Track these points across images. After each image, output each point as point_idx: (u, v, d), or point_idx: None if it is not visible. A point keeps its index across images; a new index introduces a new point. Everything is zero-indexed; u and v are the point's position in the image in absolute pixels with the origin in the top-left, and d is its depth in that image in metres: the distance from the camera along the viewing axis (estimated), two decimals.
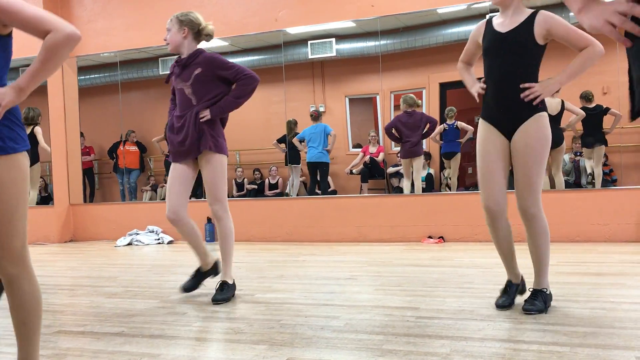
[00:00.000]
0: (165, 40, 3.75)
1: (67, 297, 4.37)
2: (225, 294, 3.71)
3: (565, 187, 7.30)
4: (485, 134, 3.08)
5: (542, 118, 2.98)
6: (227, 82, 3.72)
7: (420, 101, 7.75)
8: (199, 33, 3.75)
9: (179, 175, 3.75)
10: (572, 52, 2.98)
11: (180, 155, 3.73)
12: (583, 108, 7.10)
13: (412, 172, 7.62)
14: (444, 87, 8.59)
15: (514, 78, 2.94)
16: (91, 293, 4.31)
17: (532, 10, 2.98)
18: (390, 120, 7.99)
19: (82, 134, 9.80)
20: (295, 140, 8.70)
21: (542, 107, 2.98)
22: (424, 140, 8.65)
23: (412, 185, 7.64)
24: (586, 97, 7.11)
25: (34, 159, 8.62)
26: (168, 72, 3.94)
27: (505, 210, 3.08)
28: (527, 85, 2.91)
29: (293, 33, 8.09)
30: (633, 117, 1.50)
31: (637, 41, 1.39)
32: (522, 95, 2.91)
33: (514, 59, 2.94)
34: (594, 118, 7.08)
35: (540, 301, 3.05)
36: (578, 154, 7.59)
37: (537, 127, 2.96)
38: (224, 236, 3.77)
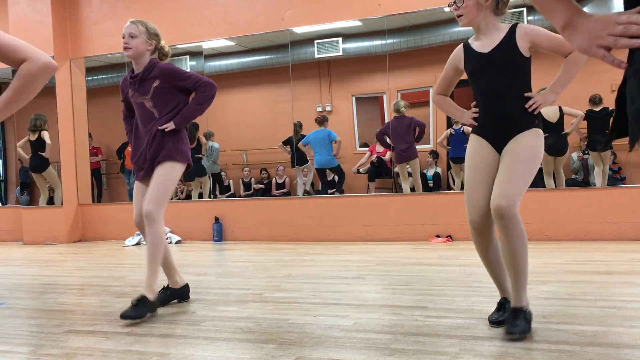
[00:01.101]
0: (126, 44, 3.57)
1: (76, 296, 4.39)
2: (140, 309, 3.32)
3: (574, 186, 7.28)
4: (475, 147, 2.94)
5: (537, 133, 2.84)
6: (186, 92, 3.68)
7: (407, 105, 7.71)
8: (158, 50, 3.70)
9: (141, 190, 3.67)
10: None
11: (141, 170, 3.66)
12: (589, 111, 7.06)
13: (409, 173, 7.67)
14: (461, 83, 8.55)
15: (504, 95, 2.84)
16: (100, 293, 4.33)
17: (509, 25, 2.89)
18: (384, 124, 8.04)
19: (90, 135, 9.86)
20: (300, 146, 8.72)
21: (537, 123, 2.86)
22: (431, 138, 8.65)
23: (413, 186, 7.67)
24: (593, 100, 7.08)
25: (44, 164, 8.74)
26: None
27: (493, 226, 2.86)
28: (529, 94, 2.82)
29: (300, 32, 8.09)
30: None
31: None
32: (526, 105, 2.80)
33: (503, 77, 2.84)
34: (599, 121, 7.04)
35: (522, 320, 2.68)
36: (586, 152, 7.55)
37: (530, 138, 2.81)
38: (154, 242, 3.47)
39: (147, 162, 3.60)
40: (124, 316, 3.28)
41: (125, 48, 3.59)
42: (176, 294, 3.79)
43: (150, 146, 3.58)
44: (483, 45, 2.90)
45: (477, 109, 2.94)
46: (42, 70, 1.82)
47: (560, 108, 6.92)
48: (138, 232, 8.02)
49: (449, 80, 3.15)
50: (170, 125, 3.56)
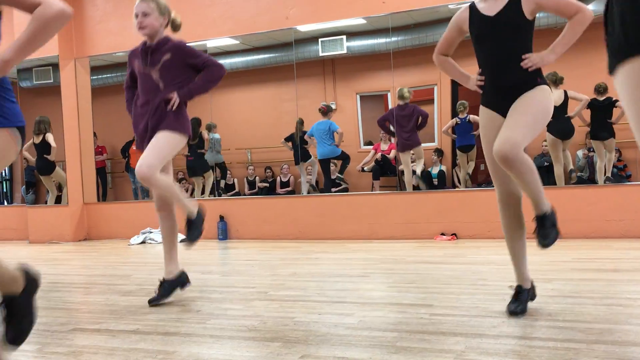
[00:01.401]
0: (141, 23, 3.58)
1: (82, 295, 4.40)
2: (195, 230, 3.65)
3: (580, 183, 7.25)
4: (487, 121, 2.98)
5: (543, 89, 2.87)
6: (195, 69, 3.69)
7: (410, 92, 7.70)
8: (171, 22, 3.73)
9: None
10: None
11: (145, 140, 3.64)
12: (593, 100, 7.05)
13: (414, 161, 7.67)
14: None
15: (510, 58, 2.87)
16: (106, 291, 4.34)
17: None
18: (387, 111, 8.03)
19: (94, 134, 9.88)
20: (307, 137, 8.72)
21: (541, 81, 2.89)
22: (436, 136, 8.64)
23: (414, 173, 7.65)
24: (598, 89, 7.06)
25: (51, 166, 8.79)
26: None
27: (521, 201, 2.96)
28: (526, 55, 2.84)
29: (304, 31, 8.08)
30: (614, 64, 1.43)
31: None
32: (521, 63, 2.83)
33: (507, 40, 2.87)
34: (602, 110, 7.03)
35: (549, 227, 2.87)
36: (592, 149, 7.52)
37: (536, 92, 2.84)
38: (166, 188, 3.55)
39: (149, 132, 3.60)
40: (188, 240, 3.63)
41: (140, 27, 3.60)
42: (175, 284, 3.79)
43: (152, 116, 3.59)
44: (489, 7, 2.92)
45: (482, 77, 2.96)
46: (56, 15, 1.81)
47: (565, 92, 6.90)
48: (143, 231, 8.05)
49: (452, 40, 3.14)
50: (175, 99, 3.55)
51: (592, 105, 7.08)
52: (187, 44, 3.70)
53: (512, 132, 2.75)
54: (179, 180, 9.63)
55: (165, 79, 3.61)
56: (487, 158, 3.00)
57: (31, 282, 2.05)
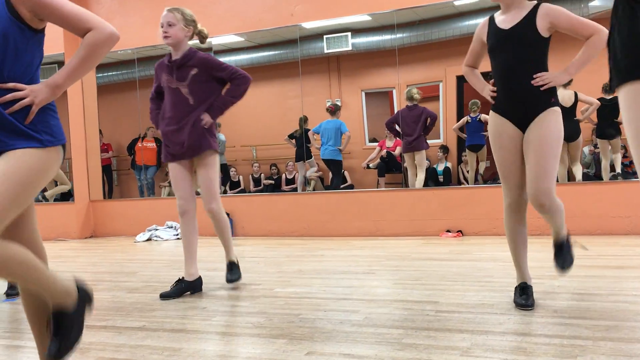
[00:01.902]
0: (165, 33, 3.68)
1: None
2: (237, 272, 3.99)
3: (586, 180, 7.22)
4: (498, 127, 3.03)
5: (556, 113, 2.94)
6: (221, 82, 3.81)
7: (419, 93, 7.67)
8: (197, 34, 3.82)
9: (181, 172, 3.83)
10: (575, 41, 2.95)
11: (177, 156, 3.80)
12: (600, 99, 7.00)
13: (416, 167, 7.65)
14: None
15: (522, 73, 2.91)
16: (112, 288, 4.36)
17: (534, 4, 2.96)
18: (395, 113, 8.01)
19: (100, 132, 9.91)
20: (310, 134, 8.70)
21: (554, 101, 2.95)
22: (441, 133, 8.62)
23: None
24: (605, 88, 7.01)
25: None
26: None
27: (527, 201, 3.04)
28: (538, 74, 2.89)
29: (309, 28, 8.08)
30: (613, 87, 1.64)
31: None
32: (533, 82, 2.87)
33: (519, 54, 2.91)
34: (608, 109, 6.97)
35: (567, 253, 3.14)
36: (598, 146, 7.49)
37: (551, 121, 2.92)
38: (224, 228, 3.95)
39: (186, 149, 3.74)
40: (231, 280, 3.93)
41: (164, 37, 3.69)
42: (190, 287, 3.87)
43: (189, 136, 3.70)
44: (506, 21, 2.97)
45: (494, 88, 3.04)
46: (108, 40, 1.87)
47: (575, 94, 6.87)
48: (149, 228, 8.07)
49: (476, 52, 3.23)
50: (208, 121, 3.72)
51: (599, 104, 7.04)
52: (212, 57, 3.78)
53: (544, 181, 2.89)
54: None
55: (195, 94, 3.70)
56: (498, 164, 3.07)
57: (84, 297, 2.06)
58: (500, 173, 3.08)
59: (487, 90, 3.12)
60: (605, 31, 2.86)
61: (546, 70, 2.94)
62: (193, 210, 3.85)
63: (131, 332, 3.01)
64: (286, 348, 2.58)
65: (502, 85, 2.99)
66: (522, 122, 2.96)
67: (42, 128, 1.85)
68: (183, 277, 3.87)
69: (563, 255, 3.12)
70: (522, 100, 2.93)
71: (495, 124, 3.05)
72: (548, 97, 2.92)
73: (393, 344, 2.57)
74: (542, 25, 2.88)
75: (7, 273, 1.83)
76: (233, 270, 3.99)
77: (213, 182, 3.80)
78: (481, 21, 3.15)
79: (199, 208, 3.91)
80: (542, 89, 2.88)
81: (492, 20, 3.06)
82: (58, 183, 9.24)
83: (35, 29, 1.84)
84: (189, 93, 3.70)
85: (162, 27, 3.71)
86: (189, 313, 3.37)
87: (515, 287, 3.16)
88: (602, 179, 7.19)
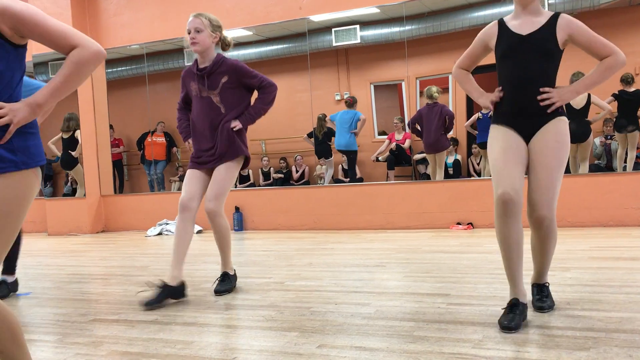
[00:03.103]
0: (193, 39, 3.59)
1: (100, 286, 4.46)
2: (227, 285, 3.74)
3: (597, 171, 7.16)
4: (501, 134, 2.82)
5: (562, 123, 2.79)
6: (250, 89, 3.79)
7: (440, 91, 7.65)
8: (221, 40, 3.75)
9: (198, 174, 3.71)
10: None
11: (206, 163, 3.70)
12: (621, 91, 6.85)
13: (435, 167, 7.66)
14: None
15: (535, 82, 2.76)
16: (124, 282, 4.38)
17: (552, 13, 2.81)
18: (416, 111, 7.97)
19: (111, 127, 9.96)
20: (328, 119, 8.73)
21: (562, 111, 2.81)
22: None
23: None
24: (625, 79, 6.84)
25: (74, 162, 8.97)
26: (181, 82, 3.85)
27: (521, 204, 2.73)
28: (545, 89, 2.75)
29: (317, 21, 8.05)
30: None
31: None
32: (538, 97, 2.74)
33: (536, 62, 2.75)
34: (631, 103, 6.82)
35: (547, 296, 2.92)
36: (609, 137, 7.43)
37: (557, 131, 2.76)
38: (222, 235, 3.72)
39: (217, 157, 3.67)
40: (217, 291, 3.69)
41: (192, 43, 3.61)
42: (172, 292, 3.52)
43: (220, 142, 3.66)
44: (521, 25, 2.79)
45: (501, 94, 2.84)
46: (92, 58, 1.79)
47: (588, 96, 6.73)
48: (160, 222, 8.11)
49: (475, 56, 3.02)
50: (239, 125, 3.68)
51: (620, 97, 6.88)
52: (242, 64, 3.73)
53: (547, 194, 2.72)
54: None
55: (226, 102, 3.68)
56: (495, 161, 2.79)
57: None
58: (496, 167, 2.77)
59: (485, 98, 2.91)
60: (622, 55, 2.74)
61: (554, 84, 2.80)
62: (194, 210, 3.64)
63: (144, 325, 3.03)
64: (298, 341, 2.59)
65: (511, 95, 2.80)
66: (528, 132, 2.79)
67: (18, 149, 1.74)
68: (165, 282, 3.51)
69: (544, 298, 2.89)
70: (529, 112, 2.77)
71: (498, 132, 2.84)
72: (556, 109, 2.77)
73: (404, 336, 2.57)
74: (561, 37, 2.73)
75: None
76: (225, 281, 3.75)
77: (224, 182, 3.65)
78: (488, 21, 2.94)
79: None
80: (549, 110, 2.74)
81: (503, 24, 2.84)
82: (71, 179, 9.37)
83: (15, 44, 1.74)
84: (220, 102, 3.66)
85: (189, 33, 3.61)
86: (200, 306, 3.38)
87: (507, 306, 2.72)
88: (614, 170, 7.14)
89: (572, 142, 7.09)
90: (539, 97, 2.75)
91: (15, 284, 4.08)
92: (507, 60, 2.82)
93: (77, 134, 8.88)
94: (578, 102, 6.71)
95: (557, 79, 2.84)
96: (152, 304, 3.39)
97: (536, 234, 2.81)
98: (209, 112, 3.68)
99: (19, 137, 1.75)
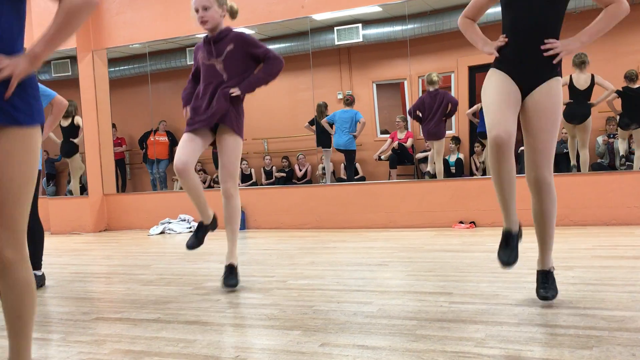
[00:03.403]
0: (203, 17, 3.57)
1: (103, 284, 4.46)
2: (237, 277, 3.77)
3: (600, 170, 7.15)
4: (499, 79, 2.84)
5: (558, 83, 2.83)
6: (256, 61, 3.74)
7: (439, 76, 7.60)
8: (230, 11, 3.75)
9: (193, 138, 3.69)
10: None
11: (201, 121, 3.65)
12: (626, 88, 6.80)
13: (434, 155, 7.61)
14: (473, 70, 8.46)
15: (539, 28, 2.77)
16: (127, 281, 4.39)
17: None
18: (417, 99, 7.93)
19: (114, 125, 9.97)
20: (324, 122, 8.69)
21: (559, 70, 2.84)
22: (453, 124, 8.55)
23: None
24: (629, 76, 6.78)
25: (74, 150, 8.95)
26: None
27: (513, 144, 2.78)
28: (549, 40, 2.76)
29: (319, 19, 8.05)
30: None
31: None
32: (542, 47, 2.75)
33: (540, 10, 2.76)
34: (635, 100, 6.77)
35: (552, 284, 2.94)
36: (612, 135, 7.41)
37: (552, 91, 2.80)
38: (234, 215, 3.76)
39: (207, 115, 3.62)
40: (230, 285, 3.69)
41: (203, 22, 3.59)
42: (210, 226, 4.00)
43: (214, 102, 3.61)
44: None
45: (505, 40, 2.85)
46: (84, 5, 1.81)
47: (592, 76, 6.68)
48: (162, 221, 8.12)
49: (481, 4, 3.03)
50: (237, 91, 3.62)
51: (624, 94, 6.81)
52: (248, 35, 3.73)
53: (545, 156, 2.76)
54: (197, 172, 9.68)
55: (229, 69, 3.65)
56: (489, 99, 2.83)
57: None
58: (488, 108, 2.81)
59: (490, 45, 2.91)
60: (625, 3, 2.78)
61: (557, 37, 2.81)
62: (191, 168, 3.68)
63: (146, 324, 3.03)
64: (300, 339, 2.59)
65: (514, 43, 2.81)
66: (525, 85, 2.81)
67: (19, 106, 1.78)
68: (202, 222, 3.93)
69: (549, 285, 2.93)
70: (531, 61, 2.78)
71: (496, 75, 2.86)
72: (556, 65, 2.80)
73: (407, 335, 2.56)
74: None
75: (17, 304, 1.83)
76: (233, 274, 3.74)
77: (232, 162, 3.70)
78: (491, 20, 3.01)
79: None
80: (554, 61, 2.76)
81: None
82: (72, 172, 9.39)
83: None
84: (223, 69, 3.64)
85: (196, 11, 3.59)
86: (203, 305, 3.38)
87: (501, 238, 2.97)
88: (616, 169, 7.12)
89: (570, 122, 7.03)
90: (542, 47, 2.75)
91: (42, 278, 4.27)
92: (512, 6, 2.84)
93: (78, 120, 8.83)
94: (582, 83, 6.63)
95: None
96: (194, 246, 3.87)
97: (537, 198, 2.84)
98: (212, 79, 3.67)
99: (19, 97, 1.79)
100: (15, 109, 1.77)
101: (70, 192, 9.66)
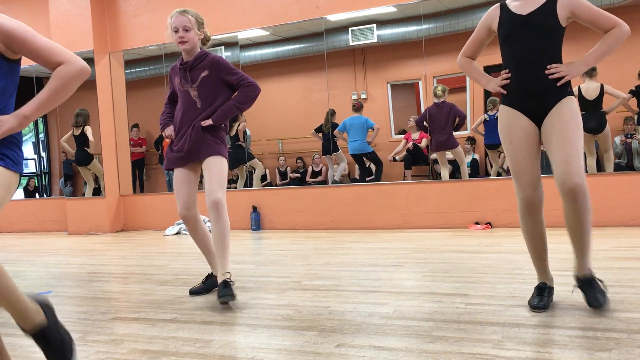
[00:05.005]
0: (182, 38, 3.55)
1: (120, 284, 4.50)
2: (232, 290, 3.40)
3: (618, 170, 7.07)
4: (511, 120, 2.86)
5: (572, 101, 2.80)
6: (230, 88, 3.69)
7: (445, 89, 7.58)
8: (204, 37, 3.72)
9: (185, 176, 3.66)
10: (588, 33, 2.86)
11: (176, 161, 3.64)
12: (638, 87, 6.77)
13: (449, 161, 7.60)
14: (488, 70, 8.27)
15: (539, 61, 2.77)
16: (143, 281, 4.42)
17: None
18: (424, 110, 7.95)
19: (137, 125, 10.07)
20: (336, 132, 8.70)
21: (570, 90, 2.81)
22: (468, 124, 8.52)
23: (451, 173, 7.59)
24: None
25: (88, 158, 9.05)
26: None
27: (543, 200, 2.84)
28: (552, 65, 2.76)
29: (334, 20, 8.05)
30: None
31: None
32: (546, 72, 2.75)
33: (538, 41, 2.78)
34: None
35: (600, 289, 2.80)
36: (629, 135, 7.33)
37: (569, 109, 2.76)
38: (224, 230, 3.49)
39: (185, 153, 3.61)
40: (225, 300, 3.34)
41: (181, 42, 3.58)
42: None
43: (190, 137, 3.59)
44: (522, 6, 2.84)
45: (508, 75, 2.87)
46: (79, 74, 1.90)
47: (602, 86, 6.67)
48: (178, 222, 8.17)
49: (479, 42, 3.06)
50: (208, 122, 3.58)
51: (638, 93, 6.77)
52: (224, 60, 3.67)
53: (576, 162, 2.68)
54: None
55: (203, 96, 3.60)
56: (510, 159, 2.87)
57: (47, 308, 2.06)
58: (512, 169, 2.86)
59: (494, 83, 2.94)
60: (626, 26, 2.76)
61: (560, 62, 2.81)
62: (195, 215, 3.68)
63: (163, 324, 3.05)
64: (316, 340, 2.59)
65: (518, 76, 2.82)
66: (537, 114, 2.81)
67: (7, 154, 1.92)
68: (212, 273, 3.81)
69: (596, 294, 2.79)
70: (537, 91, 2.78)
71: (508, 117, 2.87)
72: (564, 87, 2.78)
73: (423, 336, 2.56)
74: (562, 14, 2.76)
75: None
76: (227, 287, 3.39)
77: (221, 173, 3.55)
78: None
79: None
80: (558, 84, 2.74)
81: (504, 7, 2.90)
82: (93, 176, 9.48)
83: (9, 59, 1.89)
84: (197, 96, 3.60)
85: (176, 31, 3.57)
86: (219, 305, 3.40)
87: (534, 291, 2.96)
88: (635, 169, 7.03)
89: (587, 132, 6.98)
90: (546, 72, 2.75)
91: None
92: (509, 41, 2.86)
93: (87, 130, 8.91)
94: (591, 93, 6.61)
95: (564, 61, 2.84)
96: (199, 292, 3.74)
97: (572, 207, 2.72)
98: (186, 106, 3.64)
99: (6, 146, 1.92)
100: (2, 158, 1.91)
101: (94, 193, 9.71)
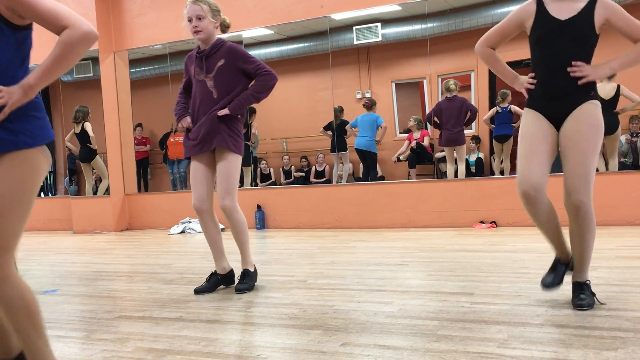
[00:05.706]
0: (196, 27, 3.55)
1: (125, 283, 4.51)
2: (249, 282, 3.72)
3: (623, 169, 7.04)
4: (532, 120, 2.84)
5: (595, 106, 2.77)
6: (247, 76, 3.68)
7: (457, 83, 7.56)
8: (222, 24, 3.71)
9: (202, 171, 3.70)
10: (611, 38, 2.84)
11: (192, 149, 3.67)
12: None
13: (455, 159, 7.56)
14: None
15: (569, 66, 2.73)
16: (148, 279, 4.43)
17: None
18: (435, 105, 7.91)
19: (140, 125, 10.08)
20: (348, 127, 8.70)
21: (594, 94, 2.78)
22: (474, 123, 8.49)
23: (457, 171, 7.56)
24: None
25: (92, 154, 9.07)
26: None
27: (544, 194, 2.80)
28: (577, 63, 2.71)
29: (338, 19, 8.04)
30: None
31: None
32: (569, 68, 2.70)
33: (573, 48, 2.72)
34: None
35: (588, 295, 2.83)
36: (635, 134, 7.30)
37: (590, 114, 2.74)
38: (239, 230, 3.70)
39: (199, 141, 3.64)
40: (238, 289, 3.65)
41: (196, 32, 3.57)
42: (223, 280, 3.83)
43: (205, 126, 3.60)
44: (561, 9, 2.75)
45: (534, 81, 2.83)
46: (84, 38, 1.79)
47: (618, 87, 6.62)
48: (183, 221, 8.18)
49: (507, 34, 2.91)
50: (225, 111, 3.59)
51: None
52: (240, 48, 3.67)
53: (585, 180, 2.70)
54: None
55: (219, 86, 3.60)
56: (521, 150, 2.85)
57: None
58: (521, 159, 2.82)
59: (520, 81, 2.88)
60: None
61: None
62: (209, 209, 3.73)
63: (168, 322, 3.06)
64: (321, 339, 2.59)
65: (545, 78, 2.78)
66: (558, 117, 2.78)
67: (20, 130, 1.81)
68: (216, 271, 3.83)
69: (586, 296, 2.83)
70: (562, 95, 2.76)
71: (530, 118, 2.84)
72: (588, 90, 2.75)
73: (428, 335, 2.55)
74: (598, 21, 2.70)
75: (12, 319, 1.82)
76: (245, 279, 3.72)
77: (229, 177, 3.62)
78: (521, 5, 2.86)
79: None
80: (579, 82, 2.71)
81: (541, 5, 2.77)
82: (95, 177, 9.50)
83: (17, 26, 1.79)
84: (213, 86, 3.60)
85: (190, 21, 3.57)
86: (223, 304, 3.40)
87: (551, 264, 3.03)
88: None
89: None
90: (568, 69, 2.71)
91: None
92: (542, 44, 2.79)
93: (87, 127, 8.91)
94: (607, 93, 6.57)
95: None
96: (204, 291, 3.71)
97: (574, 222, 2.78)
98: (202, 95, 3.64)
99: (20, 120, 1.82)
100: (15, 134, 1.80)
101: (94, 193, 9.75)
